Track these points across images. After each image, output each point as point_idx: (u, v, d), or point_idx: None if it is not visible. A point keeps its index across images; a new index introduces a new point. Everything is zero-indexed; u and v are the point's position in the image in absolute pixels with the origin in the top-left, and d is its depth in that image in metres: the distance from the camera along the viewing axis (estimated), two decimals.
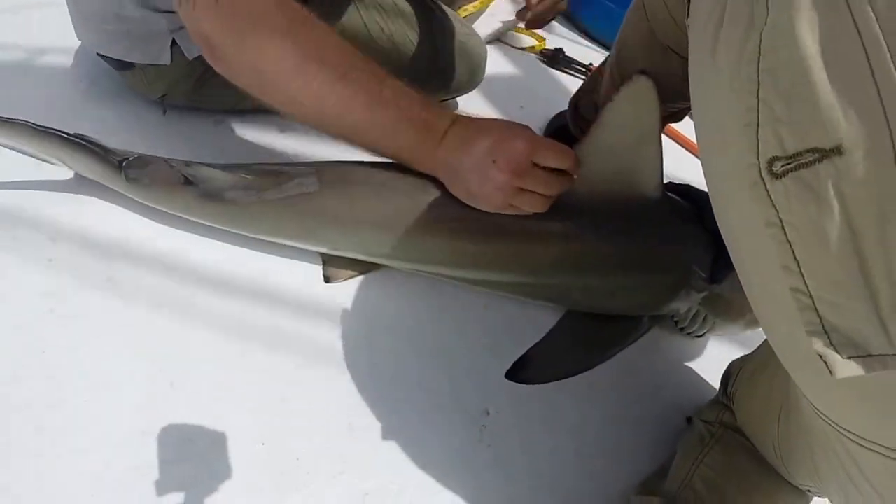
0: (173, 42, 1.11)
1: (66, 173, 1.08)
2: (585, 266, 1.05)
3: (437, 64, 1.31)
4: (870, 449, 0.51)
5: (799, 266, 0.45)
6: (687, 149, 1.70)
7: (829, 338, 0.44)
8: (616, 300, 1.10)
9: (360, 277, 1.09)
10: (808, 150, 0.43)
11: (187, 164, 1.01)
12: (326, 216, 1.02)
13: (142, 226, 1.06)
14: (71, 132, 1.01)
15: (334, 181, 1.01)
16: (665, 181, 1.05)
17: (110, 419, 0.85)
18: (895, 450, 0.49)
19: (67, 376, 0.88)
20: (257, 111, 1.26)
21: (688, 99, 0.99)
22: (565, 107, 1.56)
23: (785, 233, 0.45)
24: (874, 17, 0.40)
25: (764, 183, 0.46)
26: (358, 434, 0.93)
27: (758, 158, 0.46)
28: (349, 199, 1.00)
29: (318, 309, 1.05)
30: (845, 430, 0.53)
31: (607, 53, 2.05)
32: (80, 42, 1.26)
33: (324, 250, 1.08)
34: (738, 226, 0.55)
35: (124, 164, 1.01)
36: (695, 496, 0.90)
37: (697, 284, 1.08)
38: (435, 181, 0.99)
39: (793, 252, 0.45)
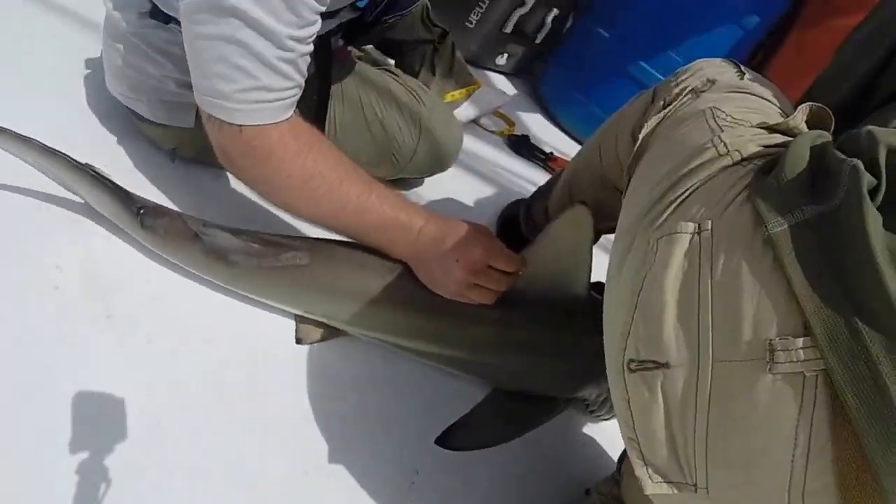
0: (197, 109, 1.26)
1: (74, 200, 1.20)
2: (514, 348, 1.22)
3: (416, 153, 1.48)
4: None
5: (634, 424, 0.69)
6: None
7: (646, 468, 0.68)
8: (536, 381, 1.27)
9: (326, 342, 1.25)
10: (650, 360, 0.67)
11: (204, 223, 1.15)
12: (311, 286, 1.18)
13: (143, 267, 1.19)
14: (94, 169, 1.12)
15: (323, 257, 1.17)
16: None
17: (98, 445, 0.98)
18: None
19: (62, 399, 0.99)
20: None
21: None
22: (521, 194, 1.75)
23: (629, 405, 0.69)
24: (710, 291, 0.63)
25: (623, 373, 0.70)
26: (312, 478, 1.09)
27: (623, 356, 0.70)
28: (332, 273, 1.17)
29: (286, 365, 1.20)
30: None
31: (570, 141, 2.26)
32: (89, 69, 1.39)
33: (304, 314, 1.24)
34: (613, 389, 0.77)
35: (142, 211, 1.13)
36: None
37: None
38: (405, 266, 1.17)
39: (632, 416, 0.69)
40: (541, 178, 2.03)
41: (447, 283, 1.14)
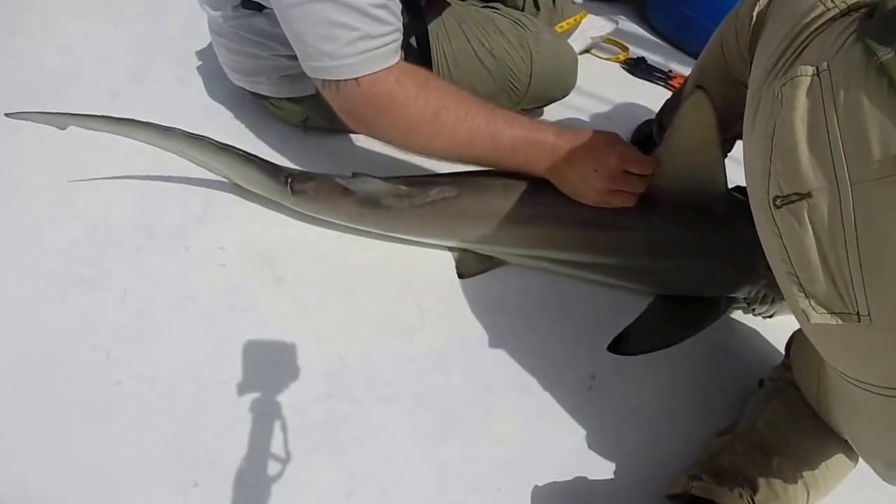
0: None
1: (221, 183, 1.30)
2: (665, 252, 1.22)
3: (532, 76, 1.47)
4: (859, 387, 0.74)
5: (790, 259, 0.71)
6: None
7: (808, 301, 0.70)
8: (693, 282, 1.26)
9: (487, 273, 1.29)
10: (793, 193, 0.69)
11: (352, 174, 1.20)
12: (463, 215, 1.22)
13: (300, 232, 1.28)
14: (237, 147, 1.20)
15: (469, 186, 1.21)
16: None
17: (288, 387, 1.08)
18: (873, 384, 0.71)
19: (251, 361, 1.10)
20: None
21: None
22: (648, 115, 1.72)
23: (782, 240, 0.72)
24: (836, 122, 0.65)
25: (771, 210, 0.72)
26: (495, 392, 1.14)
27: (768, 195, 0.73)
28: (481, 199, 1.21)
29: (455, 298, 1.26)
30: (836, 368, 0.77)
31: (685, 57, 2.19)
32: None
33: (461, 245, 1.28)
34: (762, 230, 0.80)
35: (290, 179, 1.21)
36: (759, 435, 1.07)
37: (762, 270, 1.18)
38: (548, 183, 1.18)
39: (786, 251, 0.72)
40: (665, 97, 1.98)
41: (588, 192, 1.15)
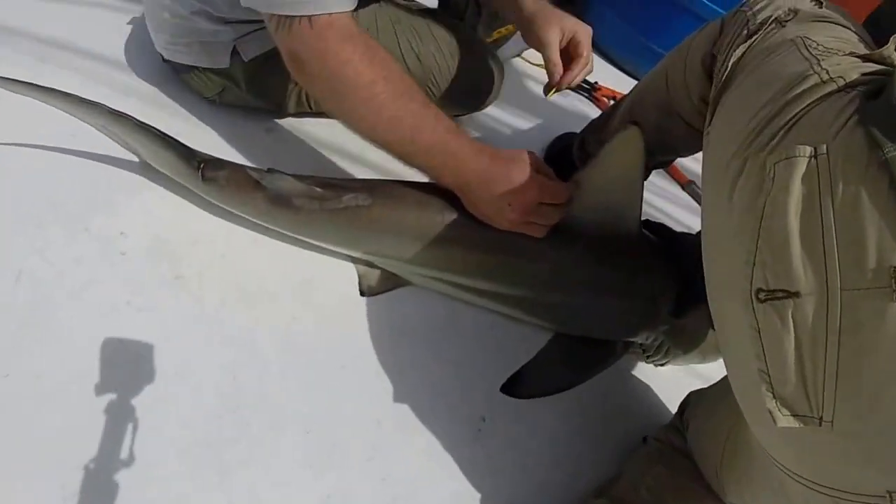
0: (234, 49, 1.26)
1: (133, 161, 1.22)
2: (570, 289, 1.23)
3: (451, 83, 1.46)
4: (790, 477, 0.75)
5: (764, 356, 0.69)
6: (675, 178, 1.91)
7: (775, 401, 0.68)
8: (595, 323, 1.28)
9: (391, 293, 1.27)
10: (780, 290, 0.67)
11: (267, 169, 1.15)
12: (372, 226, 1.18)
13: (207, 225, 1.21)
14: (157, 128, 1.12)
15: (383, 196, 1.16)
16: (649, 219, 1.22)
17: (177, 400, 1.03)
18: (810, 480, 0.72)
19: (145, 361, 1.05)
20: (300, 116, 1.45)
21: (679, 154, 1.21)
22: (566, 127, 1.73)
23: (760, 336, 0.69)
24: (832, 214, 0.63)
25: (752, 303, 0.69)
26: (384, 427, 1.13)
27: (750, 285, 0.69)
28: (393, 212, 1.17)
29: (354, 317, 1.23)
30: (781, 464, 0.76)
31: (614, 70, 2.21)
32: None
33: (367, 257, 1.25)
34: (729, 316, 0.78)
35: (202, 165, 1.13)
36: (639, 501, 1.10)
37: (663, 316, 1.25)
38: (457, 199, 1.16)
39: (762, 347, 0.69)
40: (586, 108, 2.00)
41: (500, 221, 1.14)
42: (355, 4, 1.02)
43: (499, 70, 1.54)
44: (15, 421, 0.95)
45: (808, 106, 0.72)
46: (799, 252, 0.65)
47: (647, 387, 1.40)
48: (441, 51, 1.41)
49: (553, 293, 1.24)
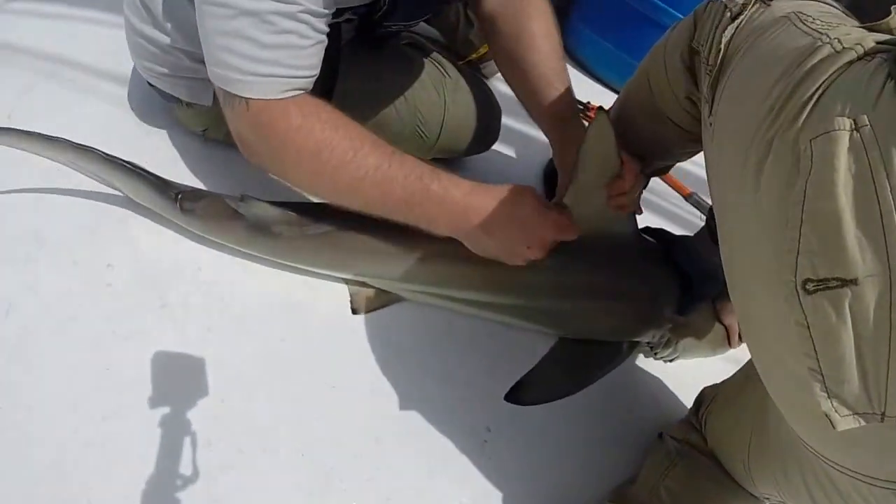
0: None
1: (117, 196, 1.20)
2: (572, 293, 1.20)
3: (443, 126, 1.41)
4: (841, 472, 0.70)
5: (816, 354, 0.62)
6: (677, 190, 1.87)
7: (831, 402, 0.61)
8: (599, 326, 1.24)
9: (382, 309, 1.23)
10: (833, 278, 0.60)
11: (241, 198, 1.13)
12: (358, 247, 1.15)
13: (192, 253, 1.19)
14: (127, 160, 1.12)
15: (365, 217, 1.11)
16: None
17: (168, 428, 0.99)
18: (862, 474, 0.67)
19: (129, 389, 1.01)
20: None
21: (676, 158, 1.17)
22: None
23: (809, 331, 0.62)
24: (889, 189, 0.57)
25: (798, 296, 0.62)
26: (385, 445, 1.08)
27: (795, 277, 0.62)
28: (378, 232, 1.13)
29: (346, 337, 1.19)
30: (828, 459, 0.71)
31: (603, 89, 2.20)
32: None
33: (354, 278, 1.22)
34: (764, 314, 0.73)
35: (180, 196, 1.12)
36: None
37: (668, 315, 1.22)
38: None
39: (813, 345, 0.62)
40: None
41: (515, 261, 1.11)
42: (296, 92, 0.98)
43: (495, 114, 1.51)
44: (6, 455, 0.92)
45: (830, 77, 0.67)
46: (854, 233, 0.59)
47: (657, 384, 1.36)
48: (425, 87, 1.38)
49: (554, 300, 1.22)
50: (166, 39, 1.16)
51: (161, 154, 1.31)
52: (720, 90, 0.86)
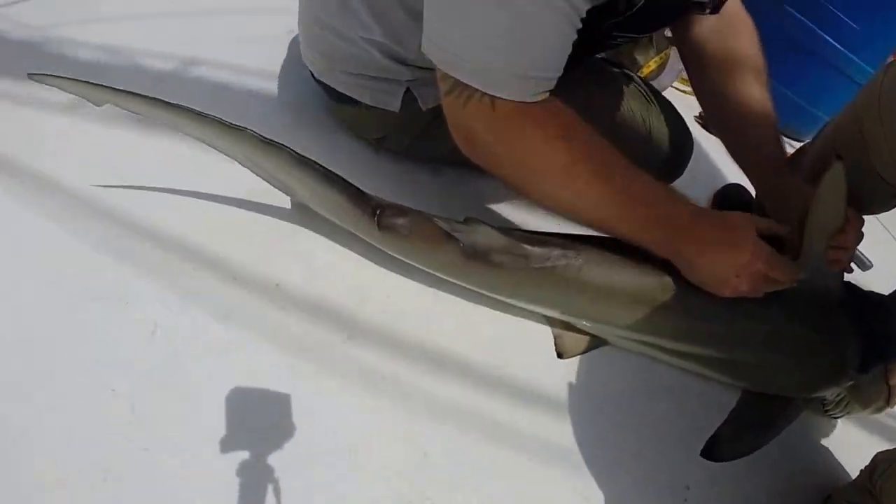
0: (406, 90, 1.11)
1: (286, 208, 1.09)
2: (774, 346, 1.12)
3: (671, 154, 1.34)
4: None
5: None
6: None
7: None
8: (792, 380, 1.17)
9: (587, 354, 1.14)
10: None
11: (465, 220, 1.02)
12: (586, 287, 1.05)
13: (377, 276, 1.08)
14: (321, 164, 0.99)
15: (595, 256, 1.03)
16: None
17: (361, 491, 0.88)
18: None
19: (302, 428, 0.89)
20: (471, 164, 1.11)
21: (867, 212, 1.15)
22: (732, 173, 1.59)
23: None
24: None
25: None
26: (580, 494, 0.98)
27: None
28: (605, 272, 1.04)
29: (550, 381, 1.09)
30: None
31: None
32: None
33: (570, 318, 1.12)
34: None
35: (379, 211, 0.99)
36: None
37: (850, 373, 1.15)
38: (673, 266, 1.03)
39: None
40: None
41: (722, 289, 1.01)
42: (547, 95, 0.87)
43: (689, 144, 1.40)
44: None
45: None
46: None
47: (824, 442, 1.29)
48: (660, 119, 1.30)
49: (758, 353, 1.14)
50: (359, 30, 1.05)
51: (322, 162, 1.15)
52: None
